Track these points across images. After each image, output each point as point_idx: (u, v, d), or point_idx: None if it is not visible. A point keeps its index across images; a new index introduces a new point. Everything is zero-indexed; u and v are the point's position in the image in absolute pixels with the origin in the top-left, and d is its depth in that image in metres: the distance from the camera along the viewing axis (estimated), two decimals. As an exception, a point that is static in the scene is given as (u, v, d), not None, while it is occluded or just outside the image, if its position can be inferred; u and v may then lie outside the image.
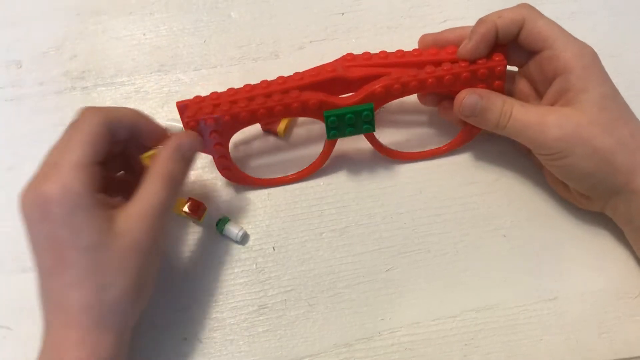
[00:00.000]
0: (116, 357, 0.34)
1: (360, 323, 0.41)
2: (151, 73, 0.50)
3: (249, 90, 0.41)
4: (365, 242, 0.43)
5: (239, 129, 0.41)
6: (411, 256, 0.42)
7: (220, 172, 0.44)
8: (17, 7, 0.53)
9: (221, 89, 0.41)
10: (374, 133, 0.43)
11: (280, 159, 0.46)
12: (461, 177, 0.45)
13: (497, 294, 0.41)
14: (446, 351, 0.40)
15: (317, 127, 0.45)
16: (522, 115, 0.39)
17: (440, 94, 0.44)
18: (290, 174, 0.45)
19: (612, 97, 0.38)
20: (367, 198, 0.44)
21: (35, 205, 0.34)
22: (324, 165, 0.45)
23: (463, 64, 0.40)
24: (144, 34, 0.51)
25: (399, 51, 0.42)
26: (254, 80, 0.42)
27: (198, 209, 0.43)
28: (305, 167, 0.45)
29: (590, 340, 0.40)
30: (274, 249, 0.43)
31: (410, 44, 0.43)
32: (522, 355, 0.39)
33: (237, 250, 0.43)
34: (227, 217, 0.44)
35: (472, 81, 0.40)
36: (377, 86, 0.40)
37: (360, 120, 0.41)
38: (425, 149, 0.45)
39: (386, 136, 0.45)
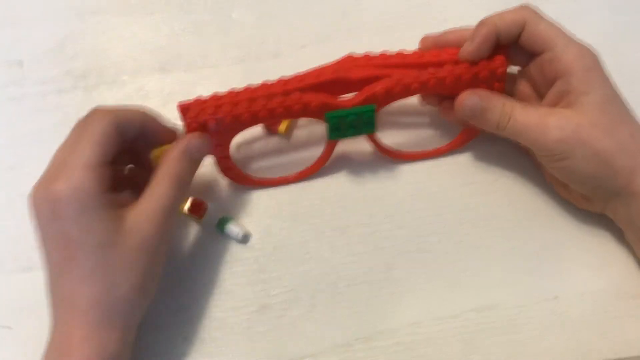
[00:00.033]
0: (122, 353, 0.35)
1: (360, 323, 0.41)
2: (152, 73, 0.50)
3: (251, 92, 0.41)
4: (366, 242, 0.43)
5: (241, 131, 0.41)
6: (412, 256, 0.42)
7: (222, 173, 0.44)
8: (18, 6, 0.53)
9: (222, 88, 0.41)
10: (375, 134, 0.43)
11: (281, 159, 0.46)
12: (462, 177, 0.45)
13: (497, 293, 0.41)
14: (446, 351, 0.40)
15: (318, 127, 0.45)
16: (523, 117, 0.39)
17: (441, 95, 0.44)
18: (291, 174, 0.45)
19: (613, 99, 0.38)
20: (368, 198, 0.44)
21: (45, 204, 0.34)
22: (325, 166, 0.45)
23: (464, 66, 0.40)
24: (145, 34, 0.52)
25: (400, 52, 0.42)
26: (255, 80, 0.42)
27: (199, 208, 0.43)
28: (306, 168, 0.45)
29: (591, 340, 0.40)
30: (275, 249, 0.43)
31: (410, 44, 0.43)
32: (522, 355, 0.39)
33: (238, 250, 0.43)
34: (228, 216, 0.44)
35: (474, 82, 0.40)
36: (378, 87, 0.40)
37: (361, 122, 0.41)
38: (426, 150, 0.45)
39: (387, 137, 0.45)
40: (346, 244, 0.43)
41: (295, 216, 0.44)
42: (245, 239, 0.43)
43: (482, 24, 0.40)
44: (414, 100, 0.45)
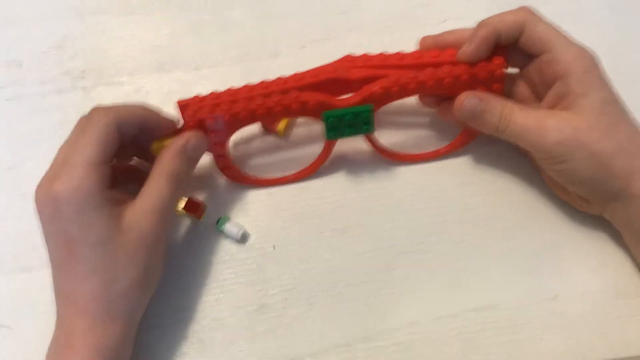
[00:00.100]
0: (123, 346, 0.36)
1: (360, 323, 0.41)
2: (152, 72, 0.50)
3: (249, 90, 0.41)
4: (365, 242, 0.43)
5: (239, 129, 0.41)
6: (411, 256, 0.42)
7: (220, 171, 0.44)
8: (17, 6, 0.53)
9: (221, 88, 0.41)
10: (374, 134, 0.43)
11: (279, 158, 0.46)
12: (461, 178, 0.45)
13: (497, 293, 0.41)
14: (446, 351, 0.40)
15: (317, 127, 0.45)
16: (522, 119, 0.39)
17: (440, 96, 0.44)
18: (289, 173, 0.45)
19: (612, 102, 0.38)
20: (367, 198, 0.44)
21: (46, 203, 0.35)
22: (324, 165, 0.45)
23: (463, 67, 0.40)
24: (145, 34, 0.52)
25: (399, 53, 0.42)
26: (255, 80, 0.42)
27: (198, 208, 0.43)
28: (304, 167, 0.45)
29: (590, 340, 0.40)
30: (274, 248, 0.43)
31: (410, 44, 0.43)
32: (522, 355, 0.39)
33: (237, 250, 0.43)
34: (227, 216, 0.44)
35: (472, 84, 0.40)
36: (376, 87, 0.40)
37: (359, 121, 0.41)
38: (425, 151, 0.45)
39: (385, 137, 0.45)
40: (345, 244, 0.43)
41: (294, 216, 0.44)
42: (244, 238, 0.43)
43: (481, 25, 0.40)
44: (413, 100, 0.45)
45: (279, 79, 0.41)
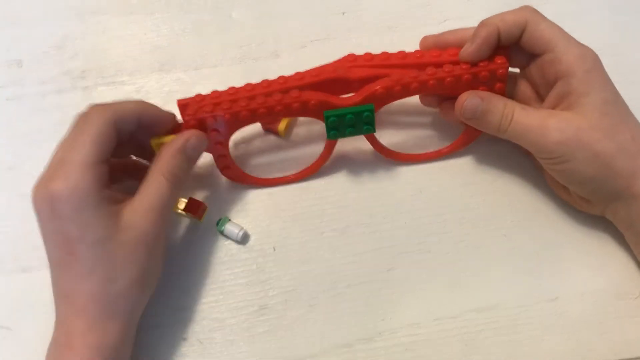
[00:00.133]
0: (122, 345, 0.36)
1: (360, 323, 0.41)
2: (152, 72, 0.50)
3: (250, 90, 0.41)
4: (365, 242, 0.43)
5: (239, 128, 0.41)
6: (412, 256, 0.42)
7: (221, 171, 0.44)
8: (17, 6, 0.53)
9: (222, 88, 0.41)
10: (375, 134, 0.43)
11: (280, 158, 0.46)
12: (462, 177, 0.45)
13: (497, 294, 0.41)
14: (447, 351, 0.40)
15: (318, 126, 0.45)
16: (524, 119, 0.39)
17: (441, 95, 0.44)
18: (290, 173, 0.45)
19: (614, 101, 0.38)
20: (367, 198, 0.44)
21: (44, 203, 0.35)
22: (324, 165, 0.45)
23: (464, 66, 0.40)
24: (145, 34, 0.52)
25: (400, 52, 0.42)
26: (255, 80, 0.42)
27: (198, 208, 0.43)
28: (305, 167, 0.45)
29: (591, 340, 0.40)
30: (274, 249, 0.43)
31: (410, 44, 0.43)
32: (522, 356, 0.39)
33: (237, 250, 0.43)
34: (227, 216, 0.44)
35: (474, 83, 0.40)
36: (377, 87, 0.40)
37: (360, 121, 0.41)
38: (426, 151, 0.45)
39: (387, 137, 0.45)
40: (346, 244, 0.43)
41: (294, 216, 0.44)
42: (244, 239, 0.43)
43: (482, 24, 0.40)
44: (414, 100, 0.45)
45: (280, 77, 0.41)
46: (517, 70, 0.42)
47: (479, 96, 0.40)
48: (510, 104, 0.40)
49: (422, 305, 0.41)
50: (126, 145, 0.40)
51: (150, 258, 0.37)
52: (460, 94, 0.40)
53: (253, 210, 0.44)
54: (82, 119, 0.37)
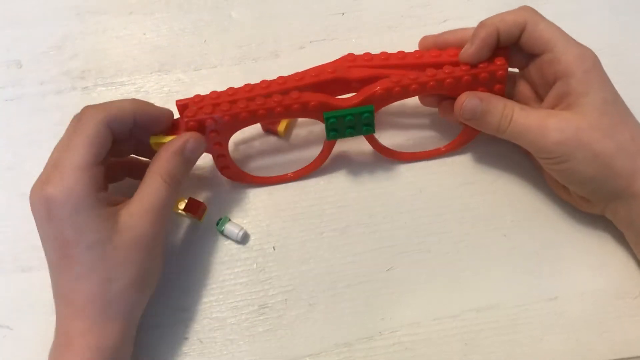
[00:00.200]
0: (122, 345, 0.36)
1: (360, 323, 0.41)
2: (151, 73, 0.50)
3: (249, 90, 0.41)
4: (365, 242, 0.43)
5: (239, 129, 0.41)
6: (411, 256, 0.42)
7: (220, 171, 0.44)
8: (17, 7, 0.53)
9: (221, 88, 0.41)
10: (374, 134, 0.43)
11: (280, 159, 0.46)
12: (461, 177, 0.45)
13: (497, 293, 0.41)
14: (446, 351, 0.40)
15: (317, 127, 0.45)
16: (523, 119, 0.39)
17: (441, 95, 0.44)
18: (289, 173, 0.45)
19: (613, 101, 0.38)
20: (367, 197, 0.44)
21: (40, 206, 0.35)
22: (324, 165, 0.45)
23: (464, 67, 0.40)
24: (145, 34, 0.52)
25: (400, 52, 0.42)
26: (255, 80, 0.41)
27: (198, 208, 0.43)
28: (304, 167, 0.45)
29: (591, 340, 0.40)
30: (274, 249, 0.43)
31: (410, 44, 0.43)
32: (522, 355, 0.39)
33: (237, 250, 0.43)
34: (227, 216, 0.44)
35: (473, 84, 0.40)
36: (377, 88, 0.40)
37: (360, 122, 0.41)
38: (425, 150, 0.45)
39: (386, 137, 0.45)
40: (346, 244, 0.43)
41: (294, 216, 0.44)
42: (244, 239, 0.43)
43: (482, 25, 0.40)
44: (414, 100, 0.45)
45: (279, 78, 0.41)
46: (516, 70, 0.42)
47: (478, 97, 0.40)
48: (510, 105, 0.40)
49: (421, 305, 0.41)
50: (125, 144, 0.40)
51: (149, 259, 0.37)
52: (459, 94, 0.40)
53: (253, 210, 0.44)
54: (76, 121, 0.37)
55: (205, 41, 0.51)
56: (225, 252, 0.43)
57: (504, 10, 0.40)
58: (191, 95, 0.41)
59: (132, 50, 0.51)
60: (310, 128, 0.47)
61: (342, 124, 0.41)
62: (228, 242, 0.43)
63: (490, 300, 0.41)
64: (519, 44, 0.40)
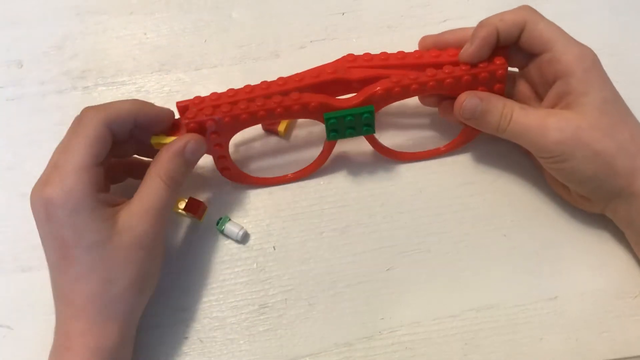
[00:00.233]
0: (122, 346, 0.36)
1: (360, 322, 0.41)
2: (152, 73, 0.50)
3: (249, 91, 0.41)
4: (365, 242, 0.43)
5: (239, 130, 0.41)
6: (411, 256, 0.42)
7: (220, 172, 0.44)
8: (17, 6, 0.53)
9: (222, 88, 0.41)
10: (374, 134, 0.43)
11: (280, 159, 0.46)
12: (461, 177, 0.45)
13: (497, 293, 0.41)
14: (446, 350, 0.40)
15: (318, 128, 0.45)
16: (523, 118, 0.39)
17: (441, 95, 0.44)
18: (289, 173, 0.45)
19: (613, 100, 0.38)
20: (367, 197, 0.44)
21: (40, 207, 0.35)
22: (324, 165, 0.45)
23: (464, 67, 0.40)
24: (145, 34, 0.52)
25: (399, 52, 0.42)
26: (255, 80, 0.42)
27: (198, 208, 0.43)
28: (304, 167, 0.45)
29: (591, 339, 0.40)
30: (274, 249, 0.43)
31: (410, 44, 0.43)
32: (522, 355, 0.39)
33: (237, 250, 0.43)
34: (227, 216, 0.44)
35: (473, 84, 0.40)
36: (377, 88, 0.40)
37: (360, 122, 0.41)
38: (426, 150, 0.45)
39: (386, 137, 0.45)
40: (345, 243, 0.43)
41: (294, 216, 0.44)
42: (244, 239, 0.43)
43: (481, 25, 0.40)
44: (414, 100, 0.45)
45: (279, 79, 0.41)
46: (516, 69, 0.42)
47: (478, 96, 0.40)
48: (509, 104, 0.40)
49: (421, 305, 0.41)
50: (126, 144, 0.40)
51: (149, 260, 0.37)
52: (459, 94, 0.40)
53: (253, 210, 0.44)
54: (76, 123, 0.37)
55: (205, 41, 0.51)
56: (225, 252, 0.43)
57: (503, 10, 0.40)
58: (191, 95, 0.41)
59: (133, 50, 0.51)
60: (310, 129, 0.47)
61: (342, 125, 0.41)
62: (228, 241, 0.43)
63: (490, 300, 0.41)
64: (519, 44, 0.40)
